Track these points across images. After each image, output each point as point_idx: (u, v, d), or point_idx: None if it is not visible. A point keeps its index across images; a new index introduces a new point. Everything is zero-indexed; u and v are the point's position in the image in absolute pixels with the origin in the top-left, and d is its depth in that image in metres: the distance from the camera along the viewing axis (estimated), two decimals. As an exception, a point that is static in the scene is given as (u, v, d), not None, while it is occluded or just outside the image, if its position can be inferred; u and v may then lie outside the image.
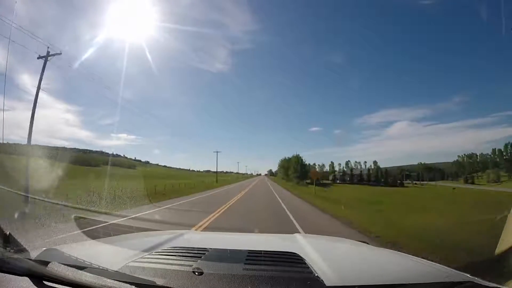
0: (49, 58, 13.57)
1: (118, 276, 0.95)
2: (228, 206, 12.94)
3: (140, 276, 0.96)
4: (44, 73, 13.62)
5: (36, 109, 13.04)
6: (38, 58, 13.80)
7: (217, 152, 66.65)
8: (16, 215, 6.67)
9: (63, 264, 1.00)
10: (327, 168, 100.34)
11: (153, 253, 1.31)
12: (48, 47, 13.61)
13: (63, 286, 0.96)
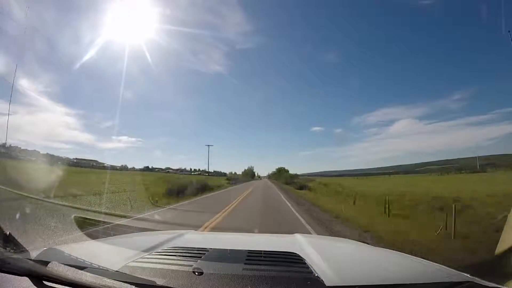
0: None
1: (118, 276, 0.95)
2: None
3: (140, 276, 0.96)
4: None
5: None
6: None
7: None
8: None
9: (63, 264, 1.00)
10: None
11: (153, 253, 1.31)
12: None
13: (63, 286, 0.96)
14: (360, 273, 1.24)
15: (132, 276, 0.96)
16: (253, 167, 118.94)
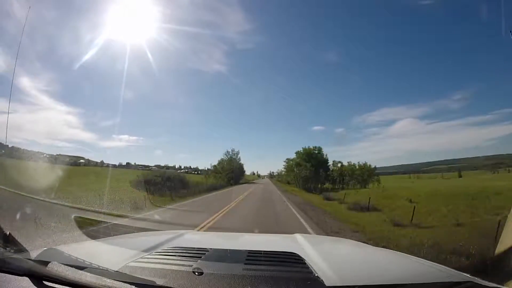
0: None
1: (118, 276, 0.95)
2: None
3: (140, 276, 0.96)
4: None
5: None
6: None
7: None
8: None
9: (63, 264, 1.00)
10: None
11: (153, 253, 1.31)
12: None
13: (63, 286, 0.96)
14: (360, 273, 1.24)
15: (132, 276, 0.96)
16: (238, 152, 53.30)
